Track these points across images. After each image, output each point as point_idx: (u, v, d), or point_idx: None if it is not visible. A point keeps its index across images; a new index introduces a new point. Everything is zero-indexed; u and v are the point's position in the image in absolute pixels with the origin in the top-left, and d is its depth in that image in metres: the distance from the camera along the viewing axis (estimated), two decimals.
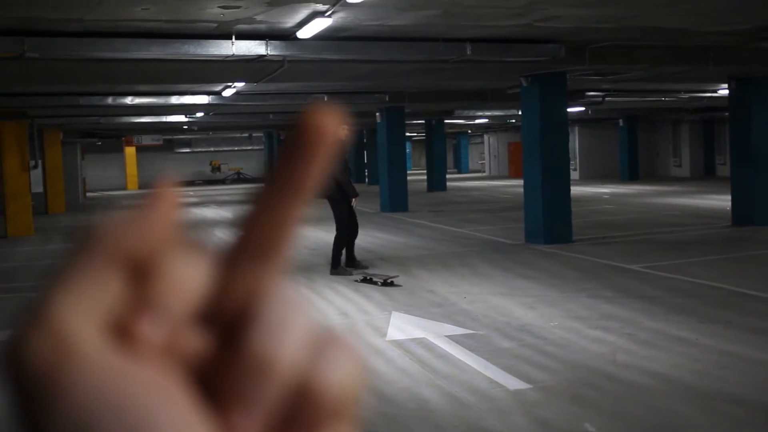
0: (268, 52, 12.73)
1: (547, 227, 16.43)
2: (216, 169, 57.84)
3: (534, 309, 10.03)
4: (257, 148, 56.09)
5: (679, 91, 26.77)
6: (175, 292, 0.33)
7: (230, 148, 57.08)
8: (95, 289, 0.32)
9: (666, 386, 6.88)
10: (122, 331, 0.32)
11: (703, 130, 44.03)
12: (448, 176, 39.75)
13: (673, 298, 10.40)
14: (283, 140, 0.35)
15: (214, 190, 45.42)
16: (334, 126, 0.35)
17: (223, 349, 0.33)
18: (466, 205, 28.22)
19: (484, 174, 58.55)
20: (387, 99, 24.58)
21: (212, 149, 56.75)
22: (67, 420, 0.29)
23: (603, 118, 41.47)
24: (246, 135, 53.41)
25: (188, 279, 0.34)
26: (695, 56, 16.19)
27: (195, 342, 0.33)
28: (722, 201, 22.49)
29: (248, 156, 58.30)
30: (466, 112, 33.51)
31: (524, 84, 17.13)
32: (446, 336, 8.74)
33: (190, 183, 53.71)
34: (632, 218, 21.36)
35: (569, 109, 18.86)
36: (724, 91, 22.51)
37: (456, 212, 24.95)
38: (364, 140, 46.31)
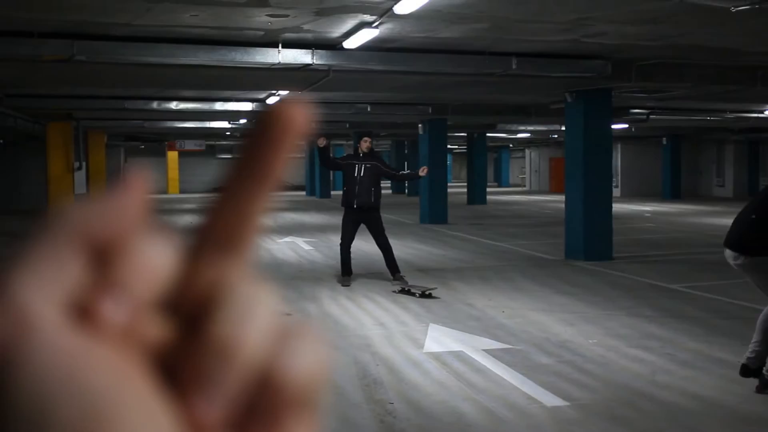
0: (314, 61, 12.80)
1: (588, 244, 16.34)
2: None
3: (573, 326, 9.97)
4: (298, 156, 56.25)
5: (725, 111, 26.56)
6: (139, 276, 0.33)
7: None
8: (58, 269, 0.32)
9: (706, 409, 6.80)
10: (84, 313, 0.32)
11: (748, 150, 43.64)
12: (488, 190, 39.65)
13: (715, 319, 10.28)
14: (251, 131, 0.35)
15: None
16: (301, 119, 0.35)
17: (186, 336, 0.33)
18: (506, 219, 28.12)
19: (524, 188, 58.39)
20: (430, 111, 24.64)
21: None
22: (23, 398, 0.29)
23: (646, 136, 41.24)
24: None
25: (153, 265, 0.33)
26: (743, 76, 16.06)
27: (157, 327, 0.33)
28: None
29: (290, 164, 58.46)
30: (508, 126, 33.44)
31: (569, 99, 17.06)
32: (484, 350, 8.70)
33: None
34: (674, 237, 21.19)
35: (613, 126, 18.73)
36: None
37: (495, 226, 24.86)
38: (406, 151, 46.32)
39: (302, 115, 0.35)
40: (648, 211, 31.73)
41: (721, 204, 35.86)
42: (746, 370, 7.28)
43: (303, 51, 12.70)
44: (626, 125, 29.24)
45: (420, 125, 26.61)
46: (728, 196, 42.56)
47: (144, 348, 0.33)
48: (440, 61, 13.62)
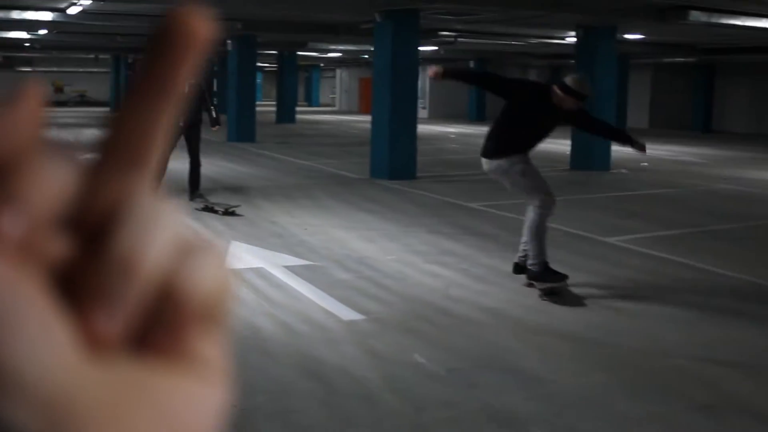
0: None
1: (392, 163, 16.57)
2: (58, 90, 56.04)
3: (373, 242, 10.13)
4: (103, 70, 54.38)
5: (530, 36, 27.25)
6: (38, 192, 0.31)
7: (75, 70, 55.41)
8: None
9: (495, 320, 7.07)
10: None
11: (551, 76, 45.06)
12: (298, 109, 39.56)
13: (509, 236, 10.62)
14: (150, 42, 0.33)
15: (55, 112, 43.99)
16: (203, 29, 0.33)
17: (87, 253, 0.32)
18: (314, 138, 28.21)
19: (334, 108, 58.53)
20: (240, 27, 24.18)
21: (56, 69, 54.85)
22: None
23: (455, 59, 41.90)
24: (92, 56, 51.72)
25: (52, 181, 0.32)
26: (548, 2, 16.45)
27: (57, 244, 0.32)
28: (562, 146, 23.09)
29: (93, 78, 56.83)
30: (319, 45, 33.32)
31: (378, 20, 17.12)
32: (284, 266, 8.75)
33: None
34: (475, 158, 21.53)
35: (422, 48, 18.93)
36: (571, 39, 23.02)
37: (303, 145, 24.90)
38: (215, 68, 45.55)
39: (204, 24, 0.33)
40: (453, 133, 32.40)
41: None
42: (518, 268, 8.11)
43: None
44: (435, 47, 29.62)
45: (228, 41, 26.16)
46: None
47: (42, 264, 0.31)
48: None
